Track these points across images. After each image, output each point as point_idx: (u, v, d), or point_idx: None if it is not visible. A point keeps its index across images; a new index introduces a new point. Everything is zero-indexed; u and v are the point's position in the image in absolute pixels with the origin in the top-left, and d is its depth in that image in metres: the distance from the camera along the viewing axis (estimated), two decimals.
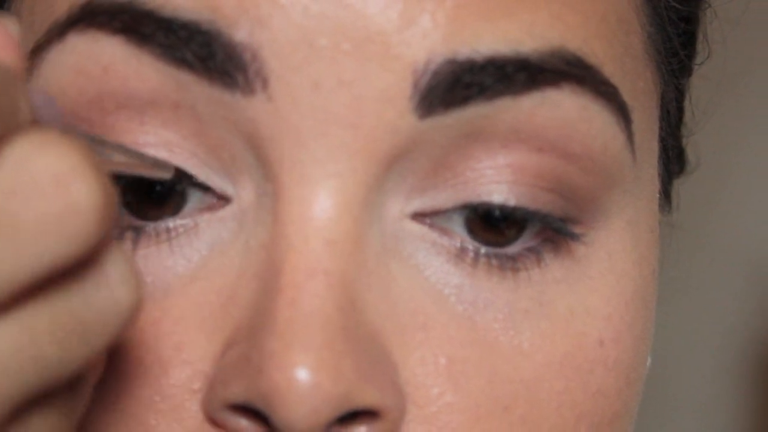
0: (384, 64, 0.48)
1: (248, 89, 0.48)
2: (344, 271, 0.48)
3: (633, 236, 0.53)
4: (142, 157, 0.49)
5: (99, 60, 0.49)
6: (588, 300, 0.51)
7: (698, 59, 0.58)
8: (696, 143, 0.61)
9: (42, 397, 0.41)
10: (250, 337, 0.48)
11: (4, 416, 0.39)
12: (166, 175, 0.49)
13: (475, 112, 0.49)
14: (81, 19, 0.50)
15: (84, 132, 0.49)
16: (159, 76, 0.49)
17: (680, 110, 0.59)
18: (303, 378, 0.46)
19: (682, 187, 0.61)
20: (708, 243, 1.29)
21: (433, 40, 0.48)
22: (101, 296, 0.41)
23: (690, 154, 0.60)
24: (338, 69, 0.48)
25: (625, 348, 0.52)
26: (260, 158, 0.49)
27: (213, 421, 0.48)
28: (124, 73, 0.49)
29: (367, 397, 0.47)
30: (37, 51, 0.51)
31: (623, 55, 0.52)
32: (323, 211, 0.48)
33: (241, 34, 0.48)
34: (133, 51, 0.49)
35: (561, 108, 0.49)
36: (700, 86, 0.59)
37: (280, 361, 0.46)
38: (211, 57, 0.48)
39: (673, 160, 0.59)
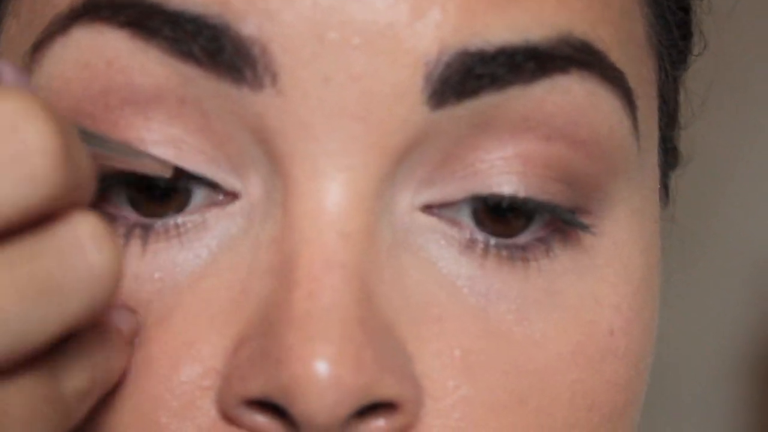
0: (395, 57, 0.47)
1: (257, 84, 0.48)
2: (359, 264, 0.48)
3: (638, 225, 0.53)
4: (142, 155, 0.48)
5: (103, 54, 0.49)
6: (597, 289, 0.51)
7: (695, 51, 0.59)
8: (697, 141, 0.61)
9: (16, 366, 0.41)
10: (265, 331, 0.47)
11: None
12: (166, 174, 0.49)
13: (487, 102, 0.48)
14: (85, 13, 0.49)
15: (87, 128, 0.49)
16: (165, 70, 0.48)
17: (675, 102, 0.59)
18: (324, 370, 0.45)
19: (681, 186, 0.61)
20: (708, 243, 1.29)
21: (444, 32, 0.48)
22: (73, 258, 0.41)
23: (689, 150, 0.61)
24: (349, 63, 0.47)
25: (634, 337, 0.52)
26: (268, 153, 0.49)
27: (227, 418, 0.48)
28: (129, 68, 0.49)
29: (386, 389, 0.47)
30: (39, 46, 0.50)
31: (627, 42, 0.52)
32: (336, 204, 0.48)
33: (249, 28, 0.47)
34: (138, 45, 0.48)
35: (569, 94, 0.49)
36: (700, 82, 0.59)
37: (300, 353, 0.46)
38: (219, 51, 0.47)
39: (669, 153, 0.59)
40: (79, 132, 0.44)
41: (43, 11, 0.51)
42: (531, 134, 0.49)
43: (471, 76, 0.48)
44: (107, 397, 0.49)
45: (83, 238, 0.41)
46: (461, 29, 0.48)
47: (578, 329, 0.51)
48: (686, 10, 0.57)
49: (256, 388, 0.47)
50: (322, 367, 0.45)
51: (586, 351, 0.51)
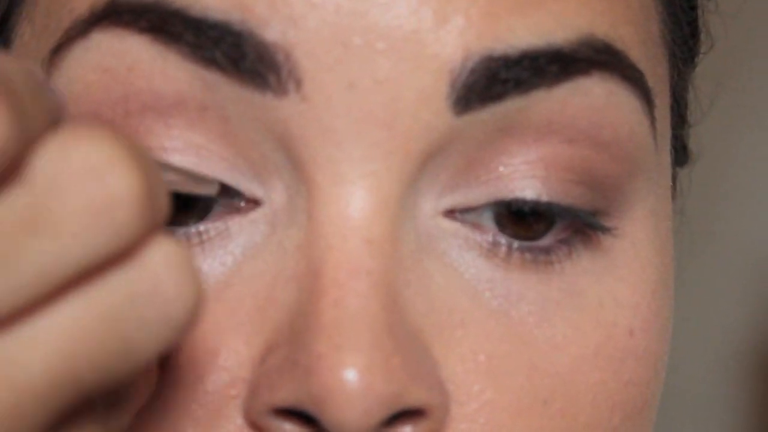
0: (420, 63, 0.47)
1: (281, 90, 0.47)
2: (384, 270, 0.47)
3: (654, 224, 0.53)
4: (187, 173, 0.47)
5: (124, 59, 0.48)
6: (616, 290, 0.52)
7: (702, 49, 0.59)
8: (698, 139, 0.61)
9: (79, 409, 0.40)
10: (293, 339, 0.47)
11: (47, 423, 0.38)
12: (211, 192, 0.48)
13: (511, 107, 0.48)
14: (105, 17, 0.49)
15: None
16: (186, 76, 0.48)
17: (685, 101, 0.59)
18: (355, 379, 0.45)
19: (683, 183, 0.61)
20: (709, 241, 1.29)
21: (469, 37, 0.47)
22: (142, 287, 0.39)
23: (691, 147, 0.61)
24: (373, 68, 0.47)
25: (653, 337, 0.53)
26: (292, 159, 0.48)
27: (255, 427, 0.48)
28: (149, 73, 0.48)
29: (416, 397, 0.47)
30: (57, 51, 0.50)
31: (646, 41, 0.52)
32: (360, 210, 0.48)
33: (273, 34, 0.47)
34: (159, 50, 0.48)
35: (591, 95, 0.49)
36: (702, 79, 0.59)
37: (330, 362, 0.45)
38: (242, 58, 0.47)
39: (678, 151, 0.60)
40: None
41: (61, 16, 0.50)
42: (554, 137, 0.49)
43: (496, 81, 0.48)
44: None
45: (156, 269, 0.39)
46: (485, 34, 0.48)
47: (599, 330, 0.51)
48: (694, 7, 0.57)
49: (285, 396, 0.46)
50: (352, 376, 0.45)
51: (607, 352, 0.51)
